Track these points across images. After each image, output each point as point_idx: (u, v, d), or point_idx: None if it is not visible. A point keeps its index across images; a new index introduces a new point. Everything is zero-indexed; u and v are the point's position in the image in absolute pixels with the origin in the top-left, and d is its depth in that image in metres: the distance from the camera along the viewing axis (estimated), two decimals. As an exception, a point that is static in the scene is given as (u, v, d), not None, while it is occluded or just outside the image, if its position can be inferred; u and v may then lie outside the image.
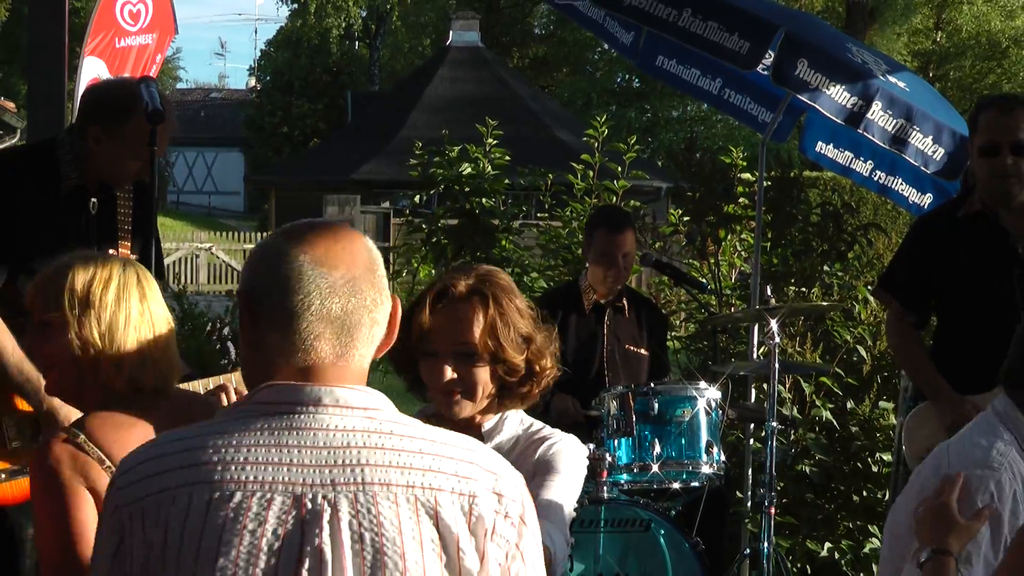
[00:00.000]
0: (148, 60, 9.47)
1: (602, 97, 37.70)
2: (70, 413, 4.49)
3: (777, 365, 5.82)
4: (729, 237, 8.56)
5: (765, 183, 7.84)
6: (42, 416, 4.50)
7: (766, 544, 5.77)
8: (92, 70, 8.98)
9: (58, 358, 3.26)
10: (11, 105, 17.15)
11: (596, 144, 8.74)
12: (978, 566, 3.27)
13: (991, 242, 5.01)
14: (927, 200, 7.07)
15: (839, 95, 6.47)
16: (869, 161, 7.38)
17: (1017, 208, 4.99)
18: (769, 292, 6.28)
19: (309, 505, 2.18)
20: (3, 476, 4.50)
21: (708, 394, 5.70)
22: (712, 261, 8.49)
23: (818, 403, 7.63)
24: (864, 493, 7.03)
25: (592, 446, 5.59)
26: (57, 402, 4.49)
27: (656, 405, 5.63)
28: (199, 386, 4.73)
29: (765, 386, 5.97)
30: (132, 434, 3.14)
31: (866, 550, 6.83)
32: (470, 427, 3.34)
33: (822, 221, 8.54)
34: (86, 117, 4.59)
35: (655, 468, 5.61)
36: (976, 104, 5.32)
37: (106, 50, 9.19)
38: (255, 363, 2.35)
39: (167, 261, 5.20)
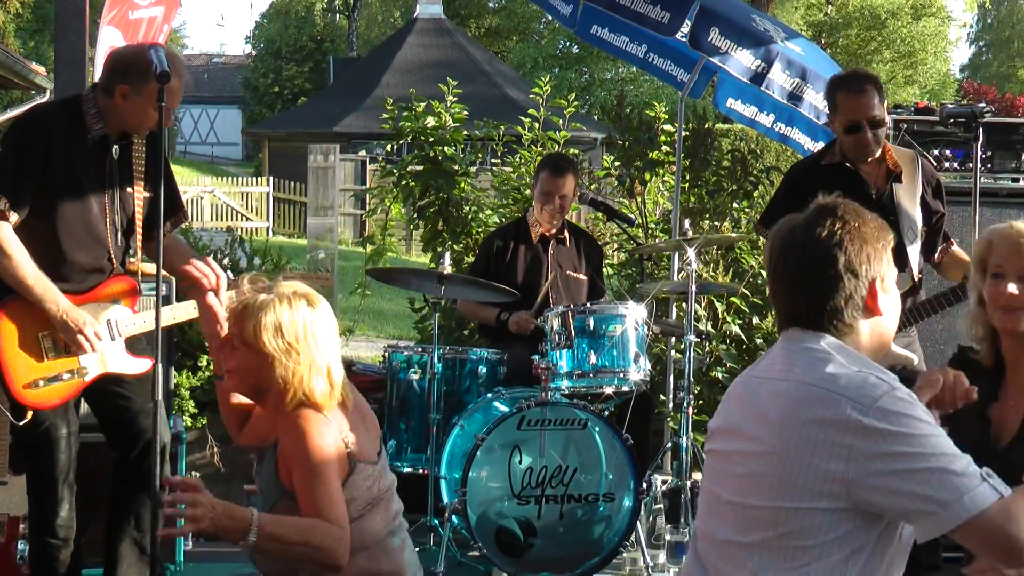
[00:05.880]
0: (156, 30, 9.27)
1: (546, 61, 37.41)
2: (79, 319, 4.45)
3: (694, 287, 5.83)
4: (653, 179, 8.52)
5: (684, 133, 7.82)
6: (57, 323, 4.46)
7: (685, 439, 5.79)
8: (109, 38, 8.77)
9: (243, 368, 3.43)
10: (41, 69, 16.85)
11: (541, 101, 8.66)
12: None
13: (850, 187, 5.10)
14: (820, 147, 7.06)
15: (745, 58, 6.44)
16: (771, 114, 7.33)
17: (872, 161, 5.16)
18: (687, 226, 6.26)
19: None
20: (41, 383, 4.47)
21: (635, 312, 5.69)
22: (639, 199, 8.46)
23: (728, 319, 7.65)
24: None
25: (537, 357, 5.60)
26: (69, 312, 4.44)
27: (592, 322, 5.62)
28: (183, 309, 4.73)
29: (684, 305, 5.97)
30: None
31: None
32: None
33: (732, 165, 8.53)
34: (113, 77, 4.51)
35: (591, 375, 5.62)
36: (829, 82, 5.33)
37: (121, 21, 8.98)
38: None
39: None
